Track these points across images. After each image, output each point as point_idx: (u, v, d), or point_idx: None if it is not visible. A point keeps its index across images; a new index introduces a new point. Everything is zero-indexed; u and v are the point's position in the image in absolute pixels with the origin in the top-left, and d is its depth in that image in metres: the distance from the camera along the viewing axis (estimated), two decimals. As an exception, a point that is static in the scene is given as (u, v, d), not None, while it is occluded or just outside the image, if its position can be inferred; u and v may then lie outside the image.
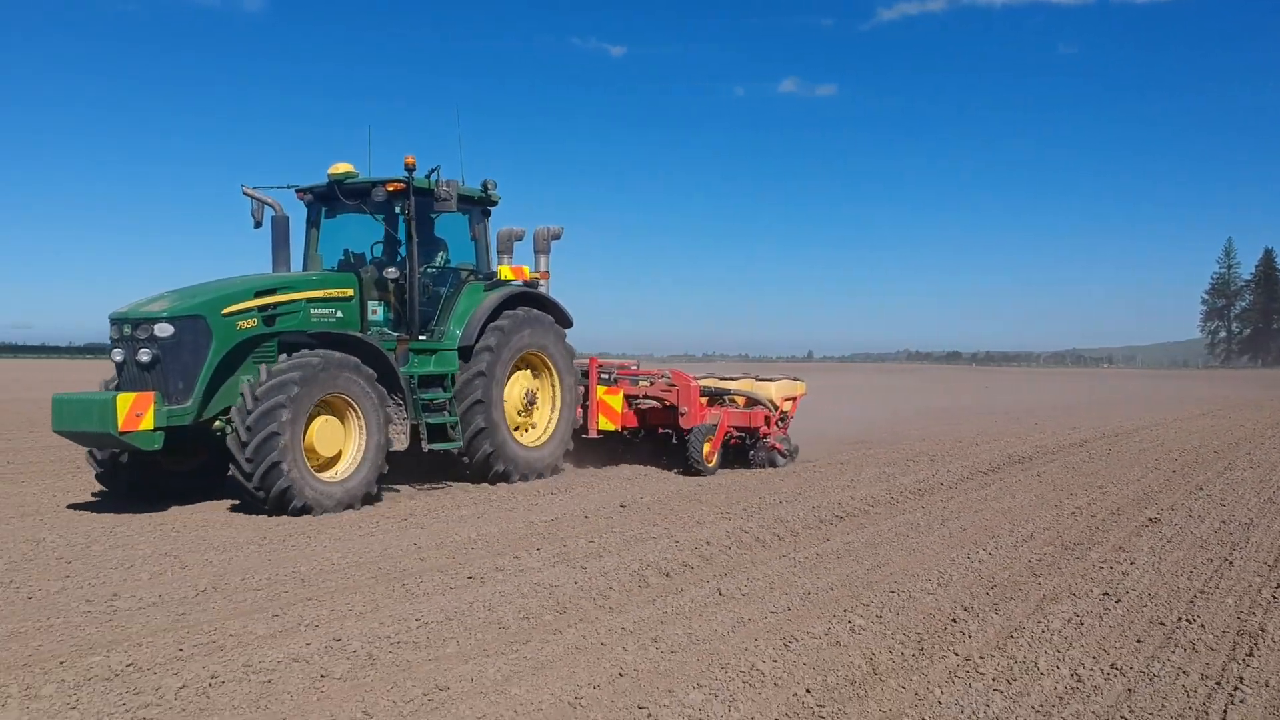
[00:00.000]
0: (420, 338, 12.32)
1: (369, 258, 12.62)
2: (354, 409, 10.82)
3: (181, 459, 11.21)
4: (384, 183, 12.11)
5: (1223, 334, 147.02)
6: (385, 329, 12.18)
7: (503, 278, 13.41)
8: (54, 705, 4.89)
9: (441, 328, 12.56)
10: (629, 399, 14.35)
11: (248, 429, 9.94)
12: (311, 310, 11.34)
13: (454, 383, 12.30)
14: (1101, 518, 10.61)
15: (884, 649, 5.90)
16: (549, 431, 13.49)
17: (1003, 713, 4.95)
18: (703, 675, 5.39)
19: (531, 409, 13.41)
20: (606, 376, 14.45)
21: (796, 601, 7.00)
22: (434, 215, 12.76)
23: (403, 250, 12.35)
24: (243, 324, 10.68)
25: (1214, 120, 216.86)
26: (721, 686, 5.21)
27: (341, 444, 10.83)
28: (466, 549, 8.73)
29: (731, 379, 15.52)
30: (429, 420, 11.89)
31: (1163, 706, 5.07)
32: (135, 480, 11.05)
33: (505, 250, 14.43)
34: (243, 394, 10.13)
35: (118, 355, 10.62)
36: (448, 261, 13.18)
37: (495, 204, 13.50)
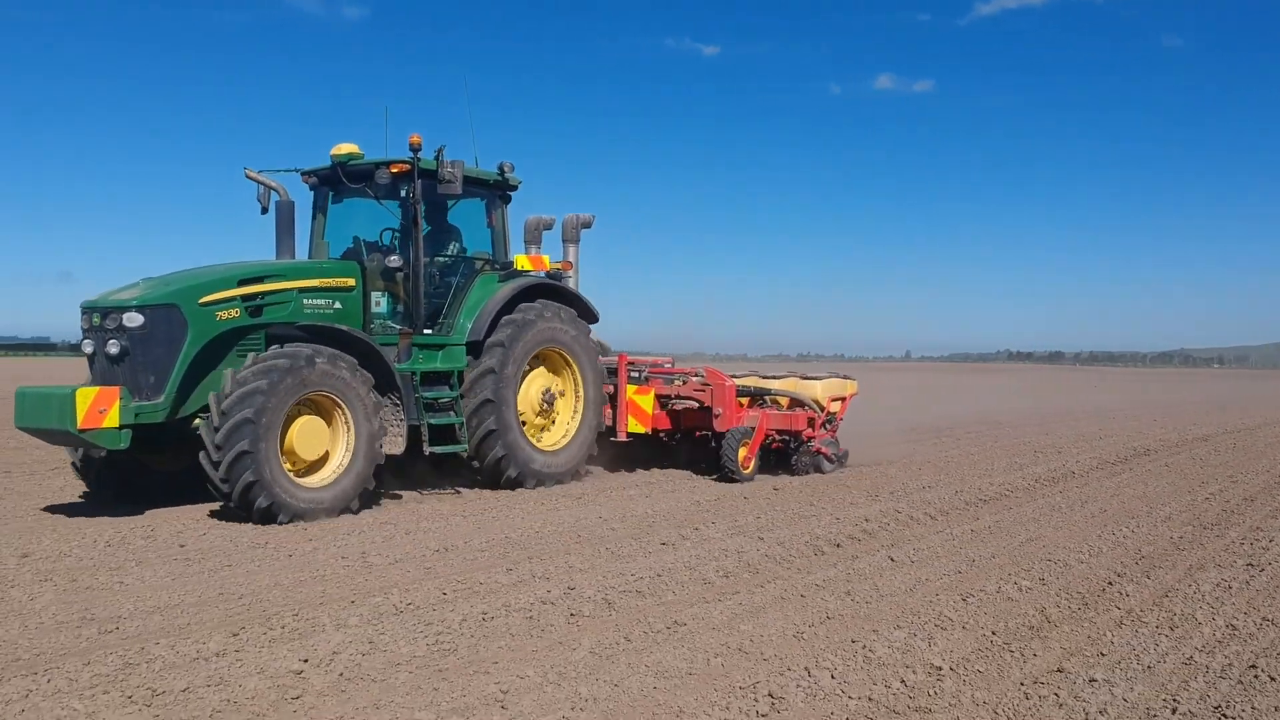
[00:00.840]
0: (427, 331, 11.40)
1: (380, 246, 11.67)
2: (340, 407, 9.92)
3: (176, 458, 10.36)
4: (387, 164, 11.13)
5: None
6: (389, 322, 11.36)
7: (520, 268, 12.34)
8: (364, 632, 5.94)
9: (450, 321, 11.62)
10: (661, 399, 13.42)
11: (216, 447, 9.11)
12: (304, 301, 10.49)
13: (461, 380, 11.40)
14: (1235, 503, 11.18)
15: (1052, 604, 6.71)
16: (569, 434, 12.44)
17: (1170, 650, 5.73)
18: (899, 620, 6.26)
19: (550, 410, 12.38)
20: (637, 375, 13.45)
21: (964, 567, 7.83)
22: (450, 203, 11.98)
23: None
24: (223, 314, 9.85)
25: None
26: (919, 628, 6.08)
27: (328, 444, 9.94)
28: (650, 521, 9.71)
29: (775, 377, 14.47)
30: (431, 421, 10.97)
31: (1315, 650, 5.78)
32: (111, 480, 10.33)
33: (534, 240, 13.53)
34: (209, 405, 9.30)
35: (88, 347, 9.87)
36: (462, 250, 12.19)
37: (514, 188, 12.50)
